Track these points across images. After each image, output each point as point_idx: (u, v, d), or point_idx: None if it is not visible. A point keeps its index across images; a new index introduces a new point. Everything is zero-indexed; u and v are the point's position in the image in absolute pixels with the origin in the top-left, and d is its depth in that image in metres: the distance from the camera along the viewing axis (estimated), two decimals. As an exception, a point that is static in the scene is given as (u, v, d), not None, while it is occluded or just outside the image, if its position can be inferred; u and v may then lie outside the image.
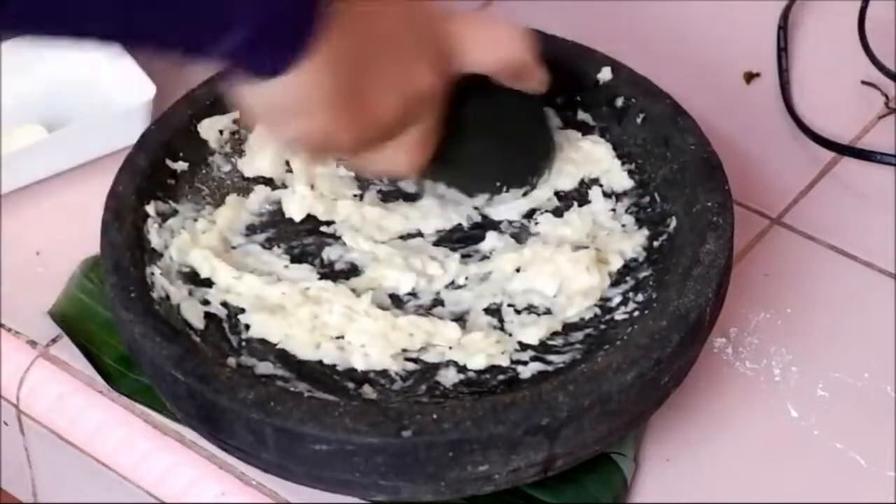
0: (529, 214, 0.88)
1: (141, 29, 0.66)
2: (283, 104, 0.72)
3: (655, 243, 0.85)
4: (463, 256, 0.85)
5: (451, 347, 0.81)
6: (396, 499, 0.76)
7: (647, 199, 0.87)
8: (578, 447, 0.76)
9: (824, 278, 0.92)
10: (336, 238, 0.86)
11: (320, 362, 0.80)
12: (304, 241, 0.86)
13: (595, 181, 0.89)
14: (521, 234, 0.87)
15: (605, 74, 0.91)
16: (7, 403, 0.89)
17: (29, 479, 0.92)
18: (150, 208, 0.84)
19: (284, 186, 0.88)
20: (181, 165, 0.87)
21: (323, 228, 0.87)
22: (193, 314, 0.81)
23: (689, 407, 0.85)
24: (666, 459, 0.83)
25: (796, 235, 0.95)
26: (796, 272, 0.93)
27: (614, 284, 0.84)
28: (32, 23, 0.64)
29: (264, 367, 0.80)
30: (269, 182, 0.89)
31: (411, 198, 0.88)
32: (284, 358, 0.80)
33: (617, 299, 0.83)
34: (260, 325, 0.81)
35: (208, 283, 0.83)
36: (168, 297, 0.81)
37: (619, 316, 0.82)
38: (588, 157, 0.89)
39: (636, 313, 0.82)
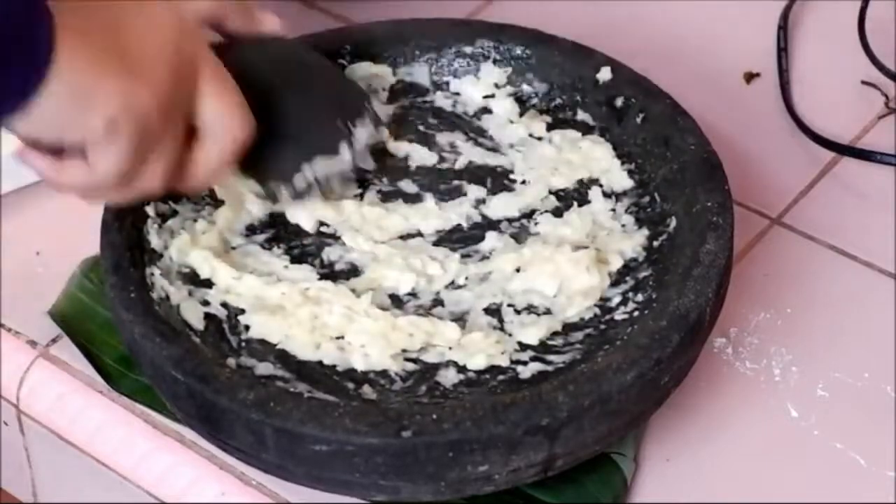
0: (529, 214, 0.88)
1: None
2: (61, 119, 0.68)
3: (655, 243, 0.85)
4: (463, 256, 0.85)
5: (450, 348, 0.81)
6: (396, 499, 0.76)
7: (646, 199, 0.87)
8: (578, 447, 0.76)
9: (824, 278, 0.92)
10: (336, 238, 0.86)
11: (320, 363, 0.80)
12: (303, 241, 0.86)
13: (595, 181, 0.89)
14: (520, 234, 0.87)
15: (605, 74, 0.91)
16: (7, 403, 0.89)
17: (29, 479, 0.92)
18: (150, 209, 0.84)
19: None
20: (181, 166, 0.87)
21: (323, 229, 0.87)
22: (193, 315, 0.81)
23: (689, 407, 0.85)
24: (666, 459, 0.83)
25: (796, 235, 0.95)
26: (796, 272, 0.92)
27: (614, 284, 0.84)
28: None
29: (264, 368, 0.79)
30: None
31: (411, 198, 0.88)
32: (284, 358, 0.80)
33: (617, 299, 0.83)
34: (260, 326, 0.81)
35: (208, 283, 0.83)
36: (168, 298, 0.81)
37: (619, 316, 0.82)
38: (588, 156, 0.90)
39: (636, 313, 0.82)
